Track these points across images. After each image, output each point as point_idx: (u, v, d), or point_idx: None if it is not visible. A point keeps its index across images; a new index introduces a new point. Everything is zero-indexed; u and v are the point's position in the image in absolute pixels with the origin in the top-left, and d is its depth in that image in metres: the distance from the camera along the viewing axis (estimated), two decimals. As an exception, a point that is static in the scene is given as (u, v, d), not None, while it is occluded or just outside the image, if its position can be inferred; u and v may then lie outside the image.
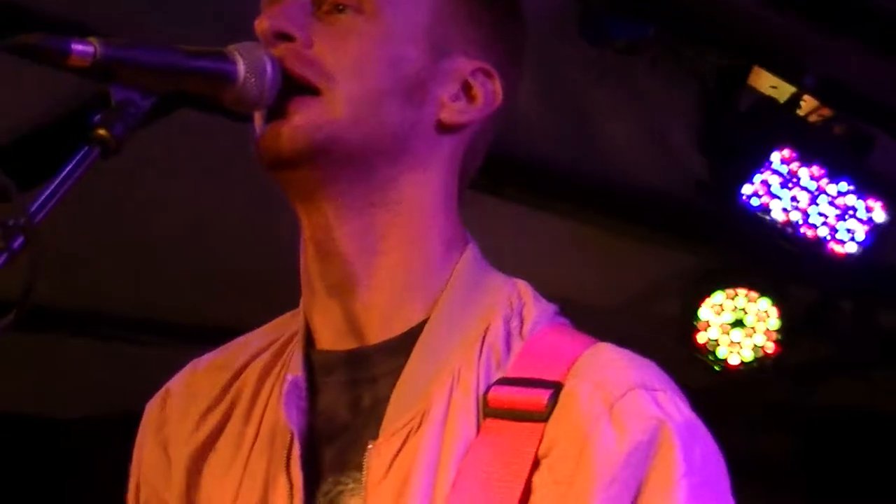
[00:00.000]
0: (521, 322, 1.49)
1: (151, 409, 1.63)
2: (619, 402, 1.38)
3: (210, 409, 1.57)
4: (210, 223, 4.00)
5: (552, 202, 3.99)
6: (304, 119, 1.43)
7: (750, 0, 3.08)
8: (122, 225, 3.92)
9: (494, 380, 1.43)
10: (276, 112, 1.44)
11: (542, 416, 1.39)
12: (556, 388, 1.40)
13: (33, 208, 1.22)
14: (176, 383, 1.62)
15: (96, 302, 4.53)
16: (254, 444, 1.52)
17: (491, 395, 1.42)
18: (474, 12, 1.52)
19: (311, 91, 1.43)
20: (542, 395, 1.40)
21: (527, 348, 1.46)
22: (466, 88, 1.50)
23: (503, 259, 1.58)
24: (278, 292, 1.70)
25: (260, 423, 1.52)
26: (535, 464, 1.38)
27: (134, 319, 4.73)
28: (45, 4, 2.98)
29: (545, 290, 1.54)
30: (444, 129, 1.50)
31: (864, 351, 4.71)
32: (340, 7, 1.46)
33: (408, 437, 1.42)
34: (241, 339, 1.62)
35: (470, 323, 1.48)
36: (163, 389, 1.63)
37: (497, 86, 1.52)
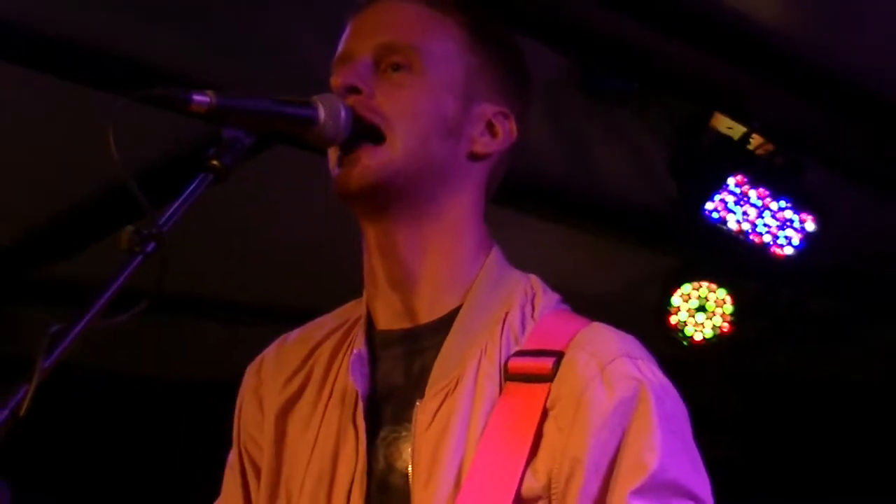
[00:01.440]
0: (533, 308, 1.49)
1: (250, 372, 1.63)
2: (609, 366, 1.38)
3: (294, 374, 1.57)
4: (294, 223, 3.98)
5: (558, 215, 4.00)
6: (370, 161, 1.43)
7: (711, 63, 3.07)
8: (221, 223, 3.89)
9: (513, 352, 1.43)
10: (348, 156, 1.44)
11: (549, 378, 1.39)
12: (559, 356, 1.40)
13: (162, 220, 1.23)
14: (269, 352, 1.62)
15: (197, 289, 4.50)
16: (328, 403, 1.51)
17: (510, 363, 1.42)
18: (495, 69, 1.52)
19: (375, 137, 1.44)
20: (548, 362, 1.40)
21: (537, 327, 1.46)
22: (490, 127, 1.51)
23: (521, 259, 1.58)
24: (341, 282, 1.69)
25: (333, 386, 1.52)
26: (544, 414, 1.38)
27: (225, 303, 4.70)
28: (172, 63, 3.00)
29: (551, 282, 1.54)
30: (473, 158, 1.50)
31: (797, 331, 4.68)
32: (395, 67, 1.46)
33: (446, 396, 1.42)
34: (317, 321, 1.62)
35: (494, 308, 1.48)
36: (259, 357, 1.63)
37: (513, 125, 1.52)
